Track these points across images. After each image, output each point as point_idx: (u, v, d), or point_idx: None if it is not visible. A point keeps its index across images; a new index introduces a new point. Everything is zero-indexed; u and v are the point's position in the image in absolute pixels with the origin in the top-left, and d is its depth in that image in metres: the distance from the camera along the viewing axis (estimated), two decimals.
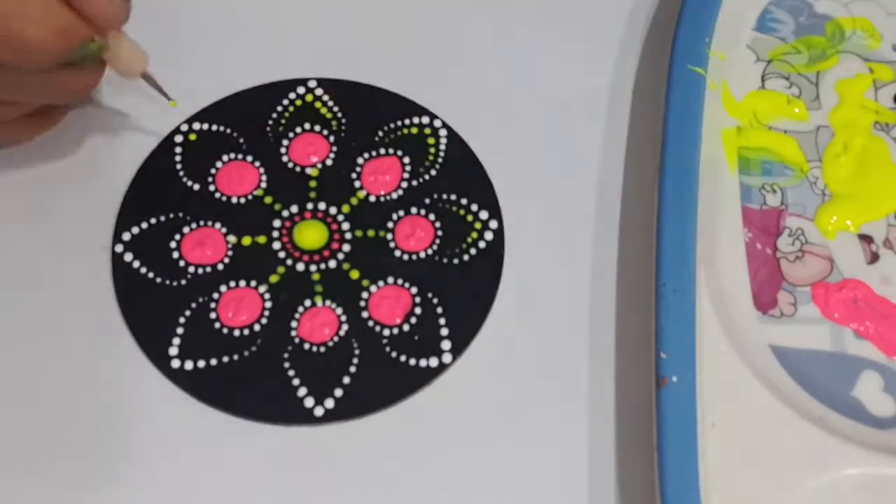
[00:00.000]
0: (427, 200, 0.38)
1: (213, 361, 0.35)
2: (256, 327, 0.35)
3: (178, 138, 0.39)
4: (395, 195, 0.38)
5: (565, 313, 0.36)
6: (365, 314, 0.36)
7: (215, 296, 0.36)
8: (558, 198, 0.38)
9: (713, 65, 0.38)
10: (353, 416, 0.34)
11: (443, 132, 0.40)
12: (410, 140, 0.39)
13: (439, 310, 0.36)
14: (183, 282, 0.36)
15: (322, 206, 0.38)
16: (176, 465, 0.33)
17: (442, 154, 0.39)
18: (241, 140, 0.39)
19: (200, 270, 0.36)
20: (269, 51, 0.42)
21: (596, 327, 0.36)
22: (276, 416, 0.34)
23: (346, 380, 0.34)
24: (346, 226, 0.37)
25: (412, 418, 0.34)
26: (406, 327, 0.35)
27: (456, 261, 0.37)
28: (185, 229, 0.37)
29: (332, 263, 0.37)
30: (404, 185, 0.38)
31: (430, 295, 0.36)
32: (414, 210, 0.38)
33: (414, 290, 0.36)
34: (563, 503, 0.33)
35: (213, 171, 0.39)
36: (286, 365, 0.35)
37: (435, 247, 0.37)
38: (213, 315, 0.35)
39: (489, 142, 0.39)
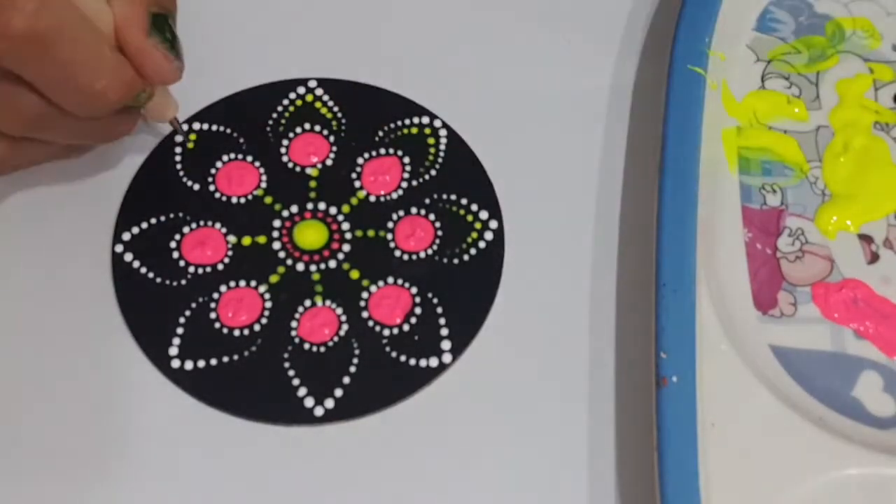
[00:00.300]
0: (427, 200, 0.38)
1: (213, 361, 0.35)
2: (256, 327, 0.35)
3: (179, 138, 0.39)
4: (395, 195, 0.38)
5: (565, 313, 0.36)
6: (365, 314, 0.36)
7: (215, 296, 0.36)
8: (558, 198, 0.38)
9: (713, 65, 0.38)
10: (353, 416, 0.34)
11: (443, 132, 0.40)
12: (410, 140, 0.39)
13: (439, 310, 0.36)
14: (183, 282, 0.36)
15: (322, 206, 0.38)
16: (176, 465, 0.33)
17: (442, 154, 0.39)
18: (241, 140, 0.39)
19: (200, 270, 0.36)
20: (269, 51, 0.42)
21: (596, 327, 0.36)
22: (276, 416, 0.34)
23: (346, 380, 0.34)
24: (346, 226, 0.37)
25: (412, 418, 0.34)
26: (406, 327, 0.35)
27: (456, 261, 0.37)
28: (185, 229, 0.37)
29: (332, 263, 0.37)
30: (404, 185, 0.38)
31: (430, 295, 0.36)
32: (414, 210, 0.38)
33: (414, 290, 0.36)
34: (562, 503, 0.33)
35: (213, 171, 0.39)
36: (286, 365, 0.35)
37: (435, 247, 0.37)
38: (213, 315, 0.35)
39: (489, 142, 0.39)
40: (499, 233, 0.37)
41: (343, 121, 0.40)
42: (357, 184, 0.38)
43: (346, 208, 0.38)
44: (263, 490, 0.33)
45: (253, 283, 0.36)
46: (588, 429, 0.34)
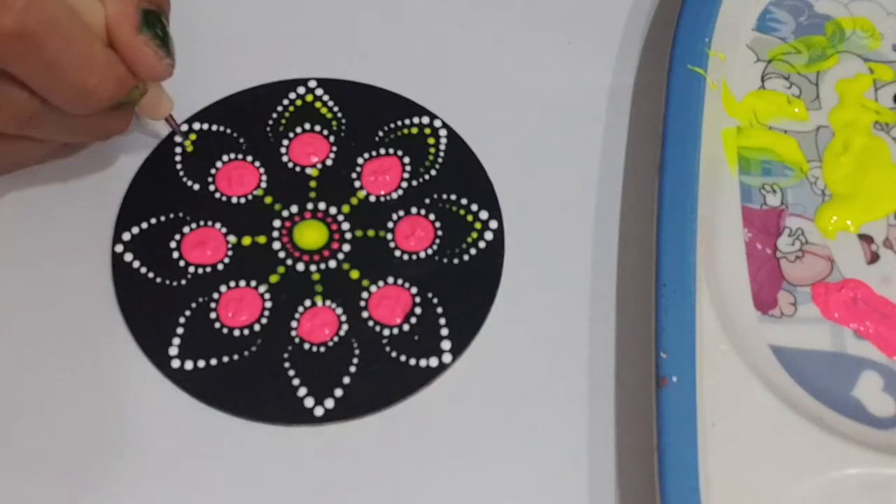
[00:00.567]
0: (427, 200, 0.38)
1: (213, 361, 0.35)
2: (256, 327, 0.35)
3: (179, 138, 0.39)
4: (395, 195, 0.38)
5: (565, 313, 0.36)
6: (365, 314, 0.36)
7: (215, 296, 0.36)
8: (558, 198, 0.38)
9: (713, 65, 0.38)
10: (353, 416, 0.34)
11: (443, 132, 0.40)
12: (410, 140, 0.39)
13: (439, 310, 0.36)
14: (183, 282, 0.36)
15: (322, 206, 0.38)
16: (176, 465, 0.33)
17: (442, 154, 0.39)
18: (241, 140, 0.39)
19: (200, 270, 0.36)
20: (269, 51, 0.42)
21: (596, 327, 0.36)
22: (276, 416, 0.34)
23: (346, 380, 0.34)
24: (346, 226, 0.37)
25: (412, 418, 0.34)
26: (406, 327, 0.35)
27: (456, 261, 0.37)
28: (185, 229, 0.37)
29: (332, 263, 0.37)
30: (404, 185, 0.38)
31: (430, 295, 0.36)
32: (414, 210, 0.38)
33: (414, 290, 0.36)
34: (562, 503, 0.33)
35: (213, 171, 0.39)
36: (286, 365, 0.35)
37: (435, 247, 0.37)
38: (213, 315, 0.35)
39: (489, 142, 0.39)
40: (499, 233, 0.37)
41: (343, 121, 0.40)
42: (357, 184, 0.38)
43: (346, 208, 0.38)
44: (263, 490, 0.33)
45: (253, 283, 0.36)
46: (588, 429, 0.34)
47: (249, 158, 0.39)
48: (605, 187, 0.39)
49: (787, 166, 0.37)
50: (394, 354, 0.35)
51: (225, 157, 0.39)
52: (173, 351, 0.35)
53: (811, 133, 0.38)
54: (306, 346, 0.35)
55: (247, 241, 0.37)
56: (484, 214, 0.38)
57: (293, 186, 0.38)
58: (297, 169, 0.39)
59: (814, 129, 0.38)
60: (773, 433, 0.31)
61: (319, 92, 0.41)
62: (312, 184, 0.38)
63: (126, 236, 0.37)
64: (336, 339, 0.35)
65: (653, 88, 0.40)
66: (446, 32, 0.43)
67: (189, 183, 0.38)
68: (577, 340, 0.35)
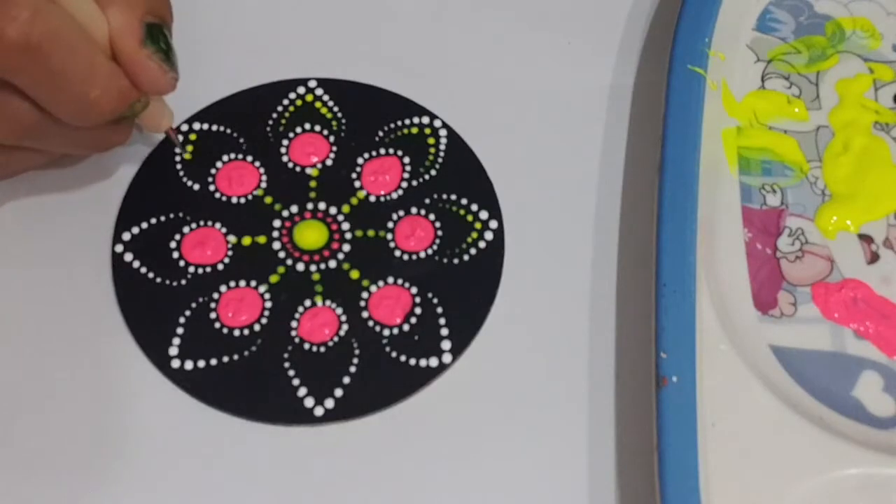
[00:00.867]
0: (427, 200, 0.38)
1: (213, 361, 0.35)
2: (256, 327, 0.35)
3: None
4: (395, 195, 0.38)
5: (565, 313, 0.36)
6: (365, 314, 0.36)
7: (215, 296, 0.36)
8: (558, 198, 0.38)
9: (713, 65, 0.38)
10: (353, 416, 0.34)
11: (443, 132, 0.40)
12: (410, 140, 0.39)
13: (439, 310, 0.36)
14: (183, 282, 0.36)
15: (322, 206, 0.38)
16: (176, 465, 0.33)
17: (442, 154, 0.39)
18: (241, 140, 0.39)
19: (200, 270, 0.36)
20: (269, 51, 0.42)
21: (596, 327, 0.36)
22: (276, 416, 0.34)
23: (346, 380, 0.34)
24: (346, 226, 0.37)
25: (412, 418, 0.34)
26: (406, 327, 0.35)
27: (456, 261, 0.37)
28: (185, 229, 0.37)
29: (332, 263, 0.37)
30: (404, 185, 0.38)
31: (430, 295, 0.36)
32: (414, 210, 0.38)
33: (414, 290, 0.36)
34: (562, 503, 0.33)
35: (213, 170, 0.39)
36: (286, 365, 0.35)
37: (435, 247, 0.37)
38: (213, 315, 0.35)
39: (489, 142, 0.39)
40: (499, 233, 0.37)
41: (343, 121, 0.40)
42: (357, 184, 0.38)
43: (346, 208, 0.38)
44: (263, 490, 0.33)
45: (253, 283, 0.36)
46: (588, 429, 0.34)
47: (249, 158, 0.39)
48: (605, 187, 0.39)
49: (787, 166, 0.37)
50: (394, 354, 0.35)
51: (225, 157, 0.39)
52: (173, 351, 0.35)
53: (811, 133, 0.38)
54: (306, 346, 0.35)
55: (247, 241, 0.37)
56: (484, 214, 0.38)
57: (293, 186, 0.38)
58: (297, 169, 0.39)
59: (814, 129, 0.38)
60: (773, 433, 0.31)
61: (319, 92, 0.41)
62: (312, 184, 0.38)
63: (126, 236, 0.37)
64: (336, 339, 0.35)
65: (653, 88, 0.40)
66: (446, 32, 0.43)
67: (189, 183, 0.38)
68: (577, 340, 0.35)
